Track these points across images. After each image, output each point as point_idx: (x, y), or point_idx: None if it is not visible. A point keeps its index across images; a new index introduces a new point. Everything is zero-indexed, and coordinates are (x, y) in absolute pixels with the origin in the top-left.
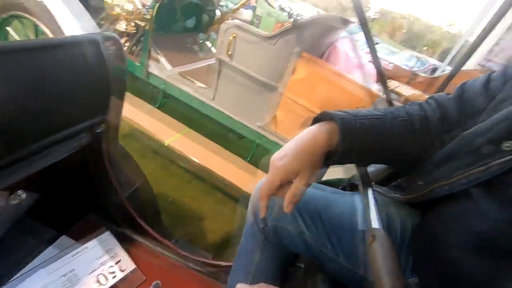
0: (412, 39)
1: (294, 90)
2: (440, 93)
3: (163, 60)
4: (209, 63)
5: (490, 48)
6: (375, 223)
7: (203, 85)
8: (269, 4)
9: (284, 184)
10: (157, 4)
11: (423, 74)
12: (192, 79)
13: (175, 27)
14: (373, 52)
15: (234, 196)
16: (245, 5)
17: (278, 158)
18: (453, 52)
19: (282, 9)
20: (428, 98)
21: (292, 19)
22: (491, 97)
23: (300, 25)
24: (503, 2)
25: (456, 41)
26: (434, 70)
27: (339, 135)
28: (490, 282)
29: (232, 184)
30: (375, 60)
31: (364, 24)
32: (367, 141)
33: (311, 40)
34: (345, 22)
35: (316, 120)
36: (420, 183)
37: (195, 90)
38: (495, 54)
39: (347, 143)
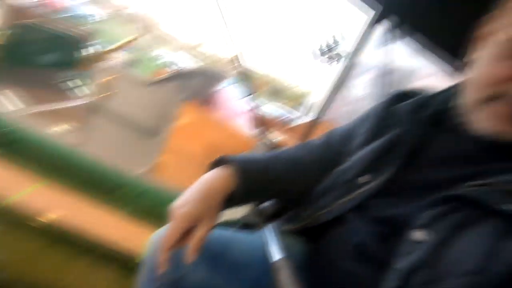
0: (275, 94)
1: (179, 136)
2: (312, 139)
3: (12, 97)
4: (78, 103)
5: (338, 103)
6: (275, 255)
7: (68, 128)
8: (149, 50)
9: (185, 233)
10: (8, 32)
11: (290, 122)
12: (54, 121)
13: (33, 60)
14: (250, 101)
15: (111, 257)
16: (124, 47)
17: (179, 207)
18: (307, 106)
19: (161, 57)
20: (302, 142)
21: (176, 67)
22: (349, 142)
23: (183, 74)
24: (341, 71)
25: (307, 97)
26: (297, 119)
27: (236, 178)
28: (372, 284)
29: (109, 242)
30: (253, 108)
31: (242, 78)
32: (261, 182)
33: (194, 88)
34: (225, 74)
35: (213, 165)
36: (307, 213)
37: (58, 133)
38: (339, 109)
39: (244, 185)
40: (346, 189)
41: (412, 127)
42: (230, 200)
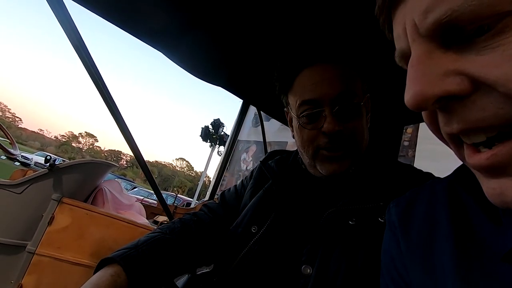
0: (164, 182)
1: (53, 244)
2: (210, 201)
3: None
4: None
5: (221, 183)
6: None
7: None
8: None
9: None
10: None
11: (183, 207)
12: None
13: None
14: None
15: None
16: None
17: None
18: (198, 190)
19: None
20: (203, 206)
21: (48, 164)
22: (240, 200)
23: (59, 170)
24: (223, 155)
25: (198, 181)
26: (189, 204)
27: (125, 272)
28: None
29: None
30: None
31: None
32: (154, 264)
33: (73, 185)
34: (108, 166)
35: (97, 268)
36: (227, 269)
37: None
38: (224, 187)
39: (136, 275)
40: (242, 240)
41: (277, 179)
42: None
